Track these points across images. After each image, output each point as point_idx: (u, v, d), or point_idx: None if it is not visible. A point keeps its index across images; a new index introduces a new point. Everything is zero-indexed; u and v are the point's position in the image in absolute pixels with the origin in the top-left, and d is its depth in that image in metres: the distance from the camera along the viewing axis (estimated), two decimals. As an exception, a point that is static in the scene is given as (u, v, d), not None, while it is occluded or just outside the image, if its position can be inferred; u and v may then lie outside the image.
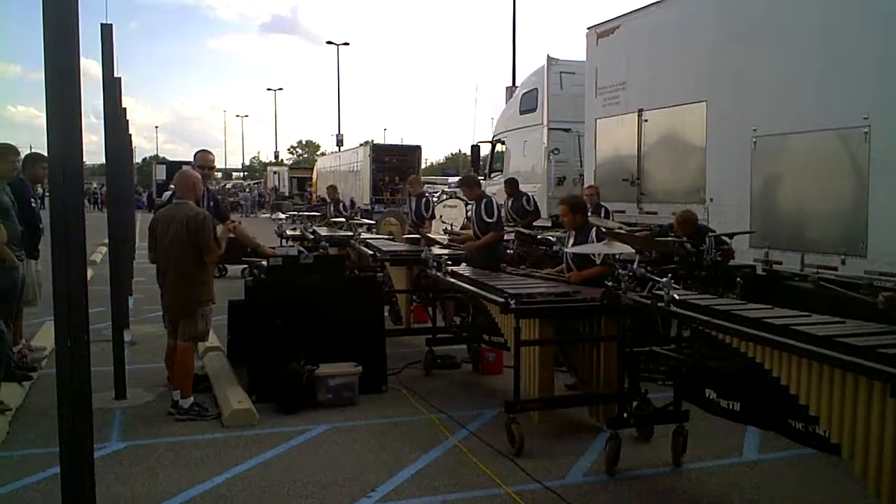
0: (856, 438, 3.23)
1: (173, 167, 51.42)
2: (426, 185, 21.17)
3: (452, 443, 5.52)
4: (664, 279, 4.51)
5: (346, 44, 49.96)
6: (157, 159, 67.86)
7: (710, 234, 7.48)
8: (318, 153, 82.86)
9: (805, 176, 8.07)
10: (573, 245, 6.57)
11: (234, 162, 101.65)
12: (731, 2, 9.09)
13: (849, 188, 7.47)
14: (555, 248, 8.99)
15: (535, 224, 11.96)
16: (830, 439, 3.45)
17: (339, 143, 48.74)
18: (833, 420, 3.35)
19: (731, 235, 7.96)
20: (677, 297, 4.43)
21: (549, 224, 13.20)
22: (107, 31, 6.11)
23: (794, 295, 6.75)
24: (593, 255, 6.42)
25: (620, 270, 5.07)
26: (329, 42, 51.31)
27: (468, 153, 19.95)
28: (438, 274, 6.94)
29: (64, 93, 2.58)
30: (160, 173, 54.09)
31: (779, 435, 4.37)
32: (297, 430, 5.78)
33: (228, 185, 57.52)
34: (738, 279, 7.08)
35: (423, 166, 36.27)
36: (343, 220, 12.93)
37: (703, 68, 9.50)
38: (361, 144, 37.00)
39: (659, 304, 4.48)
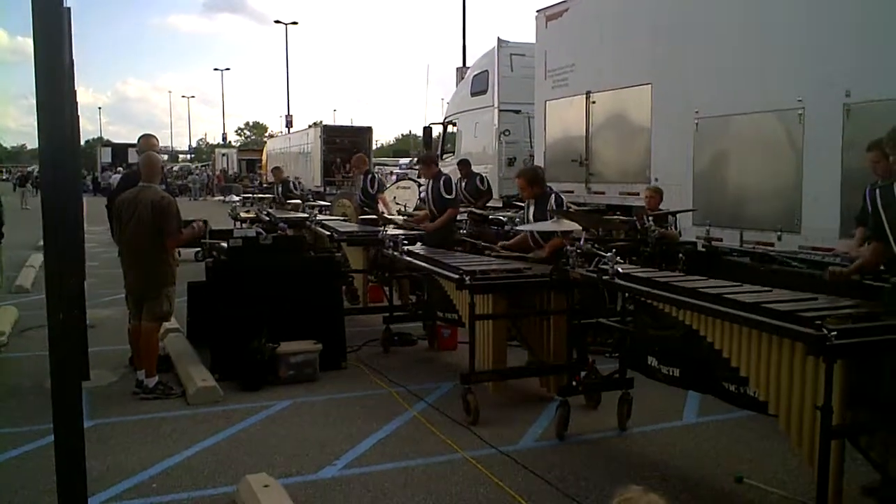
0: (780, 396, 3.57)
1: (118, 150, 50.78)
2: (377, 168, 21.34)
3: (411, 414, 5.78)
4: (609, 254, 4.81)
5: (295, 23, 49.37)
6: (101, 141, 66.55)
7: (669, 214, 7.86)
8: (267, 135, 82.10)
9: (744, 156, 8.47)
10: (534, 214, 6.79)
11: (181, 144, 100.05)
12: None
13: (785, 167, 7.87)
14: (506, 227, 9.24)
15: (487, 204, 12.23)
16: (759, 398, 3.78)
17: (289, 124, 48.39)
18: (760, 380, 3.68)
19: (674, 213, 8.33)
20: (621, 270, 4.74)
21: (501, 204, 13.48)
22: (66, 14, 6.14)
23: (732, 269, 7.13)
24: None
25: (569, 247, 5.35)
26: (277, 21, 50.66)
27: (420, 134, 20.09)
28: (395, 253, 7.16)
29: (53, 86, 2.74)
30: (105, 156, 53.25)
31: (716, 398, 4.71)
32: (261, 405, 5.98)
33: (175, 168, 56.71)
34: (681, 255, 7.45)
35: (374, 147, 36.28)
36: (298, 201, 13.05)
37: (647, 52, 9.82)
38: (311, 126, 36.83)
39: (604, 278, 4.78)
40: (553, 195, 6.80)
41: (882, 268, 4.54)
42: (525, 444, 5.15)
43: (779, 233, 7.81)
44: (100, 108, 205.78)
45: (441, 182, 8.77)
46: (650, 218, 7.55)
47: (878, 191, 4.38)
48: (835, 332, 3.13)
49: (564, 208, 6.79)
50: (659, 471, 4.70)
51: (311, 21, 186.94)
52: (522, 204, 10.34)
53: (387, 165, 39.88)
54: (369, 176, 11.84)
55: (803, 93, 7.61)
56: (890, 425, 3.58)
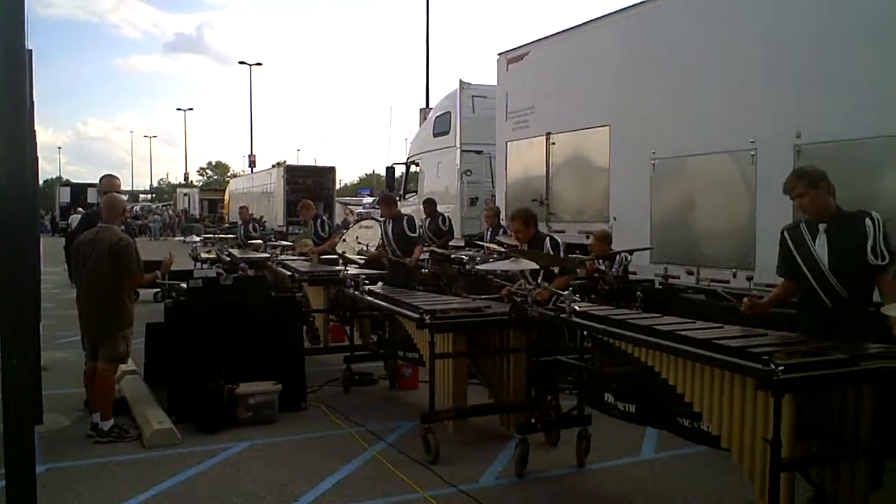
0: (732, 430, 3.63)
1: (78, 189, 50.16)
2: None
3: (371, 454, 5.75)
4: (566, 293, 4.88)
5: (259, 64, 49.73)
6: (60, 181, 65.70)
7: (619, 253, 7.97)
8: (230, 174, 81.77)
9: (700, 196, 8.67)
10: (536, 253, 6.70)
11: (142, 184, 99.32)
12: (631, 33, 9.66)
13: (739, 207, 8.07)
14: (467, 266, 9.31)
15: (449, 244, 12.30)
16: (712, 433, 3.84)
17: (252, 164, 48.32)
18: (713, 415, 3.74)
19: (631, 252, 8.47)
20: (578, 308, 4.81)
21: (463, 244, 13.57)
22: (28, 56, 6.15)
23: (688, 306, 7.24)
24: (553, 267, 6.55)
25: (527, 286, 5.42)
26: (241, 62, 50.93)
27: (383, 174, 20.20)
28: (356, 293, 7.18)
29: (14, 130, 2.75)
30: (64, 196, 52.54)
31: (672, 433, 4.77)
32: (219, 447, 5.91)
33: (136, 208, 56.17)
34: (639, 293, 7.56)
35: (337, 187, 36.34)
36: (259, 241, 13.02)
37: (606, 94, 10.05)
38: (274, 165, 36.89)
39: (562, 316, 4.85)
40: (548, 238, 6.77)
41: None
42: (485, 483, 5.15)
43: (734, 270, 7.96)
44: (59, 147, 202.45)
45: (404, 221, 8.84)
46: (602, 262, 7.66)
47: (786, 232, 4.67)
48: (782, 367, 3.21)
49: (563, 252, 6.72)
50: (617, 507, 4.74)
51: (275, 61, 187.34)
52: (482, 244, 10.50)
53: (350, 205, 39.87)
54: (318, 220, 11.84)
55: (756, 134, 7.84)
56: (839, 457, 3.65)
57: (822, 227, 4.44)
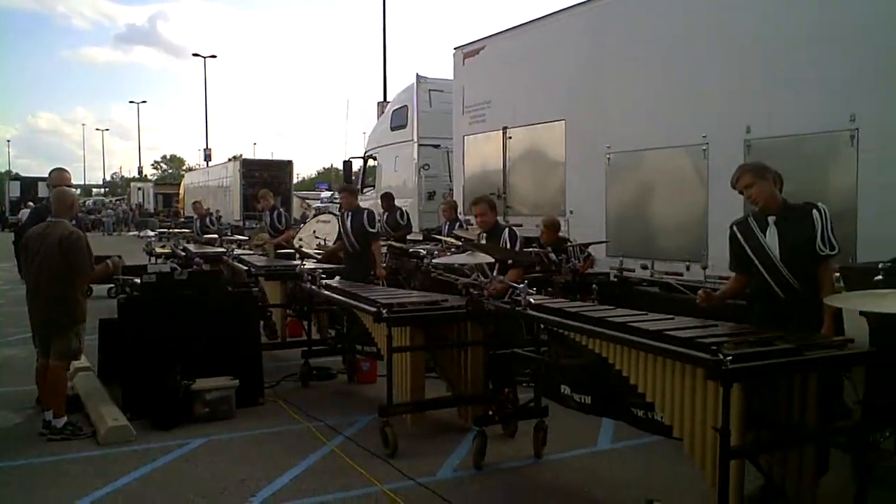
0: (683, 420, 3.70)
1: (28, 184, 49.06)
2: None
3: (329, 448, 5.75)
4: (521, 286, 4.93)
5: (214, 56, 48.99)
6: (9, 175, 64.19)
7: (569, 243, 8.06)
8: (185, 168, 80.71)
9: (654, 190, 8.81)
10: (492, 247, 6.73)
11: (95, 178, 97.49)
12: (586, 29, 9.76)
13: (692, 200, 8.22)
14: (425, 260, 9.33)
15: (407, 237, 12.32)
16: (665, 422, 3.92)
17: (207, 157, 47.75)
18: (665, 405, 3.81)
19: (587, 245, 8.57)
20: (534, 301, 4.87)
21: (421, 237, 13.60)
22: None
23: (643, 298, 7.37)
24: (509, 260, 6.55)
25: (483, 279, 5.46)
26: (196, 54, 50.15)
27: (340, 168, 20.13)
28: (313, 287, 7.16)
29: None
30: (13, 190, 51.35)
31: (627, 424, 4.84)
32: (175, 444, 5.86)
33: (89, 202, 55.07)
34: (594, 286, 7.66)
35: (294, 181, 36.07)
36: (215, 236, 12.89)
37: (561, 89, 10.15)
38: (231, 159, 36.48)
39: (517, 309, 4.90)
40: (507, 229, 6.85)
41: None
42: (443, 475, 5.18)
43: (687, 263, 8.10)
44: (8, 140, 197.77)
45: (364, 215, 8.82)
46: (557, 255, 7.75)
47: (735, 227, 4.77)
48: (730, 357, 3.28)
49: (519, 245, 6.79)
50: (573, 497, 4.81)
51: (230, 54, 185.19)
52: (440, 237, 10.54)
53: (308, 199, 39.58)
54: (275, 212, 11.76)
55: (708, 130, 7.99)
56: (787, 444, 3.76)
57: (771, 219, 4.56)
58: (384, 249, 10.48)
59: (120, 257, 6.88)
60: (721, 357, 3.28)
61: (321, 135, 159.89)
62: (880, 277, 4.54)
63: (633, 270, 8.54)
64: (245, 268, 9.10)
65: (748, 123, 7.56)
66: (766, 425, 3.81)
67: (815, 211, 4.45)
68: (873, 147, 6.55)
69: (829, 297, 3.90)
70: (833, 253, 4.40)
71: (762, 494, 4.33)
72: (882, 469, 4.90)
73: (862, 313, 4.37)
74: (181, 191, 44.09)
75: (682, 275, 8.11)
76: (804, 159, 6.99)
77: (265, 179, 29.62)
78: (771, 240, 4.54)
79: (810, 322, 4.21)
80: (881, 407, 4.29)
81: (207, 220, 15.33)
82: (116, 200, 59.32)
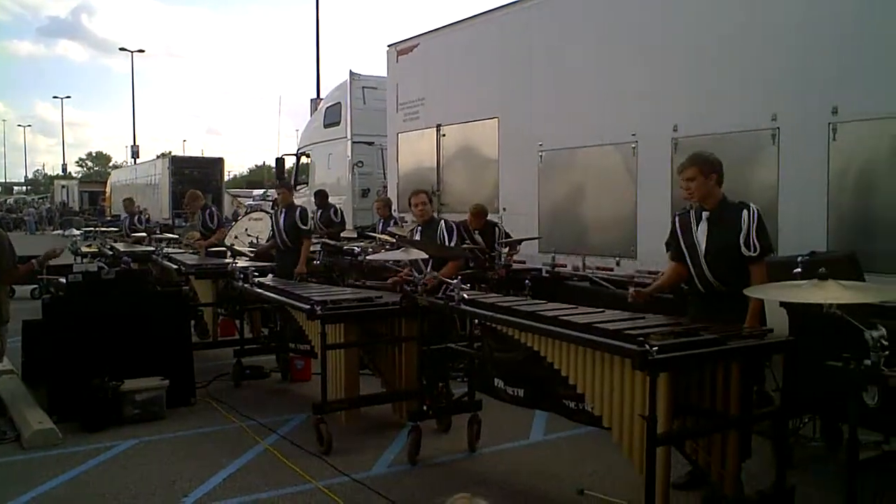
0: (612, 409, 3.81)
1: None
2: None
3: (263, 447, 5.70)
4: (455, 281, 4.98)
5: (141, 51, 47.99)
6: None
7: (504, 238, 8.14)
8: (112, 166, 78.74)
9: (585, 187, 8.97)
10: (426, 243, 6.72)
11: (16, 175, 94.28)
12: (517, 28, 9.85)
13: (622, 197, 8.40)
14: (359, 257, 9.31)
15: (341, 235, 12.26)
16: (595, 413, 4.01)
17: (135, 155, 46.71)
18: (595, 395, 3.91)
19: (519, 241, 8.68)
20: (467, 296, 4.92)
21: (355, 235, 13.56)
22: None
23: (574, 293, 7.49)
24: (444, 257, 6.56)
25: (416, 275, 5.49)
26: (122, 49, 48.96)
27: (273, 165, 19.91)
28: (246, 285, 7.08)
29: None
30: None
31: (559, 416, 4.94)
32: (104, 446, 5.73)
33: (10, 200, 53.23)
34: (527, 281, 7.76)
35: (226, 178, 35.55)
36: (144, 234, 12.63)
37: (494, 87, 10.23)
38: (159, 157, 35.76)
39: (451, 304, 4.94)
40: (442, 222, 6.88)
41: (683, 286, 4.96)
42: (378, 471, 5.19)
43: (618, 258, 8.28)
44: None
45: (297, 212, 8.74)
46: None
47: (677, 218, 4.91)
48: (656, 348, 3.38)
49: (456, 236, 6.83)
50: (506, 488, 4.87)
51: (159, 49, 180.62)
52: (374, 234, 10.54)
53: (239, 196, 39.04)
54: (207, 211, 11.53)
55: (636, 128, 8.17)
56: (711, 431, 3.88)
57: (705, 214, 4.70)
58: (318, 247, 10.42)
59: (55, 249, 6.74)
60: (648, 348, 3.38)
61: (253, 132, 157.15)
62: (799, 270, 4.74)
63: (566, 266, 8.69)
64: (175, 266, 8.94)
65: (675, 122, 7.76)
66: (692, 413, 3.94)
67: (745, 211, 4.57)
68: (793, 145, 6.79)
69: (750, 289, 4.04)
70: (755, 254, 4.52)
71: (688, 480, 4.50)
72: (801, 453, 5.14)
73: (782, 304, 4.55)
74: (107, 189, 42.95)
75: (612, 269, 8.29)
76: (729, 157, 7.10)
77: (195, 177, 29.13)
78: (701, 235, 4.69)
79: (731, 317, 4.34)
80: (800, 394, 4.48)
81: (136, 218, 14.99)
82: (39, 199, 57.47)
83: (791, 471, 4.22)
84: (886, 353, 3.12)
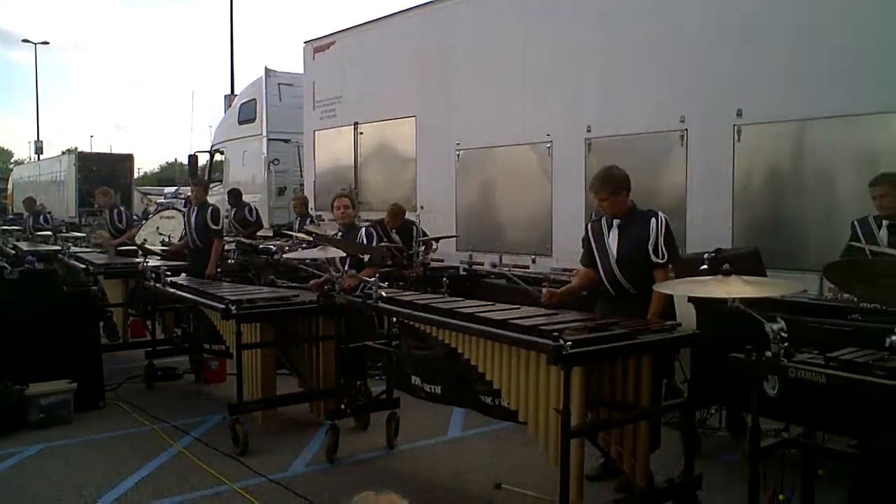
0: (528, 404, 3.87)
1: None
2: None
3: (177, 449, 5.58)
4: (372, 279, 4.98)
5: (46, 42, 46.13)
6: None
7: (421, 237, 8.17)
8: (14, 162, 75.45)
9: (502, 186, 9.10)
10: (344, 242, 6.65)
11: None
12: (434, 27, 9.91)
13: (538, 196, 8.55)
14: (276, 256, 9.20)
15: (257, 234, 12.07)
16: (511, 408, 4.08)
17: (39, 151, 44.98)
18: (511, 390, 3.97)
19: (437, 239, 8.74)
20: (384, 294, 4.93)
21: (271, 234, 13.38)
22: None
23: (490, 290, 7.59)
24: (362, 255, 6.55)
25: (334, 273, 5.47)
26: (25, 40, 47.04)
27: (185, 162, 19.45)
28: (157, 285, 6.92)
29: None
30: None
31: (476, 412, 4.99)
32: (8, 452, 5.53)
33: None
34: (445, 279, 7.83)
35: (136, 176, 34.52)
36: (49, 233, 12.18)
37: (412, 85, 10.26)
38: (65, 153, 34.50)
39: (368, 302, 4.95)
40: (363, 229, 6.93)
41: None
42: (295, 470, 5.15)
43: (534, 256, 8.43)
44: None
45: (209, 212, 8.57)
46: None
47: (589, 225, 5.13)
48: (570, 343, 3.47)
49: (375, 242, 6.90)
50: (424, 484, 4.91)
51: (66, 42, 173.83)
52: (291, 233, 10.43)
53: (151, 195, 37.97)
54: (115, 210, 11.14)
55: (551, 128, 8.32)
56: (622, 422, 4.00)
57: (616, 222, 4.90)
58: (232, 246, 10.26)
59: None
60: (562, 343, 3.46)
61: (165, 128, 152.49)
62: (705, 266, 4.92)
63: (483, 264, 8.79)
64: (83, 266, 8.67)
65: (588, 123, 7.94)
66: (604, 406, 4.04)
67: (653, 220, 4.79)
68: (700, 146, 7.04)
69: (660, 285, 4.18)
70: (661, 261, 4.74)
71: (602, 472, 4.63)
72: (708, 443, 5.35)
73: (690, 299, 4.74)
74: (9, 186, 41.15)
75: (528, 267, 8.42)
76: (640, 157, 7.40)
77: (103, 174, 28.09)
78: (612, 241, 4.89)
79: (640, 315, 4.51)
80: (706, 386, 4.66)
81: (41, 217, 14.42)
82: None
83: (698, 459, 4.37)
84: (786, 344, 3.28)
